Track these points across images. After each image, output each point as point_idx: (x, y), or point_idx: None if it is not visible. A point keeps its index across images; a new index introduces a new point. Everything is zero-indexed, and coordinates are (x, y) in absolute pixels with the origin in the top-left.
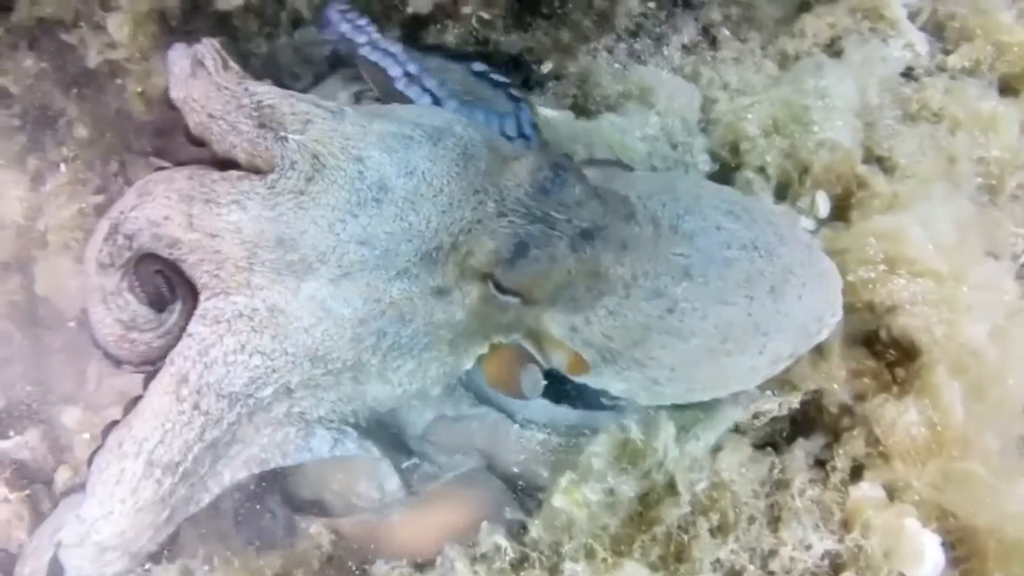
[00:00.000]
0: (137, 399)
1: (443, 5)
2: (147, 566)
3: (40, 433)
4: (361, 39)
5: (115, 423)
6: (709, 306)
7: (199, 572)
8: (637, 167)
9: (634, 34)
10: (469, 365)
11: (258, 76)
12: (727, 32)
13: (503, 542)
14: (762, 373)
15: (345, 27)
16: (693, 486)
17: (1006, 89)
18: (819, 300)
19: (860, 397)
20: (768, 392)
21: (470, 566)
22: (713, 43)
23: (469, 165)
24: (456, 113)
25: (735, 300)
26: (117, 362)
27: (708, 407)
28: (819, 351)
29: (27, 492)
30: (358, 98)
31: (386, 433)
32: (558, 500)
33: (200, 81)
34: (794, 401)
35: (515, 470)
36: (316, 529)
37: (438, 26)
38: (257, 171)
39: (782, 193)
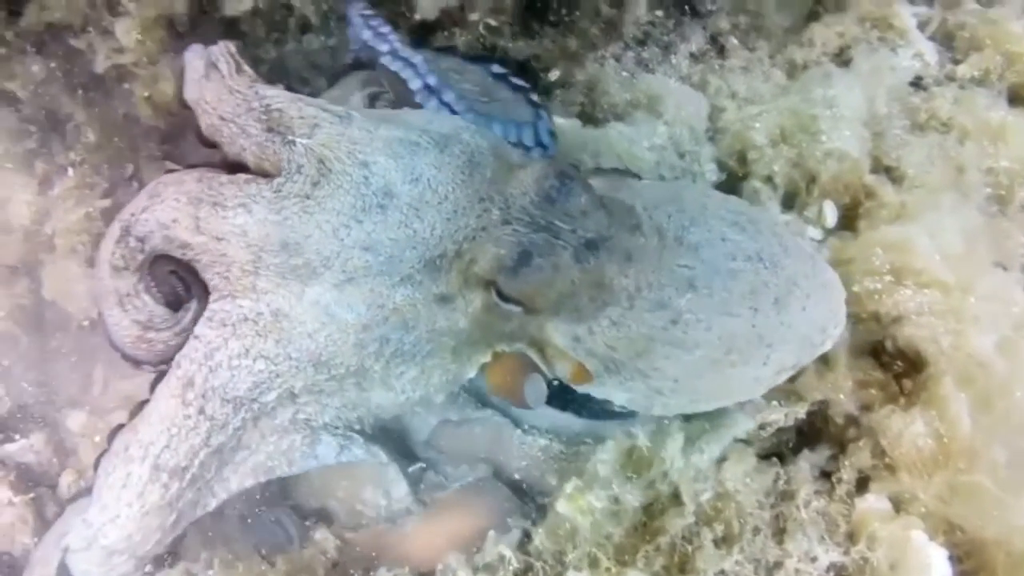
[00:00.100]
0: (144, 403)
1: (450, 12)
2: (147, 568)
3: (45, 437)
4: (383, 48)
5: (121, 427)
6: (713, 318)
7: None
8: (645, 176)
9: (642, 42)
10: (472, 373)
11: (267, 82)
12: (735, 41)
13: (507, 552)
14: (765, 383)
15: (367, 34)
16: (698, 496)
17: (1015, 99)
18: (823, 311)
19: (866, 408)
20: (774, 403)
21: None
22: (721, 52)
23: (475, 172)
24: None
25: (739, 312)
26: (136, 363)
27: (714, 418)
28: (825, 361)
29: (31, 495)
30: (373, 100)
31: (391, 440)
32: (562, 506)
33: (213, 83)
34: (800, 412)
35: (516, 476)
36: (322, 535)
37: (445, 33)
38: (265, 174)
39: (789, 202)
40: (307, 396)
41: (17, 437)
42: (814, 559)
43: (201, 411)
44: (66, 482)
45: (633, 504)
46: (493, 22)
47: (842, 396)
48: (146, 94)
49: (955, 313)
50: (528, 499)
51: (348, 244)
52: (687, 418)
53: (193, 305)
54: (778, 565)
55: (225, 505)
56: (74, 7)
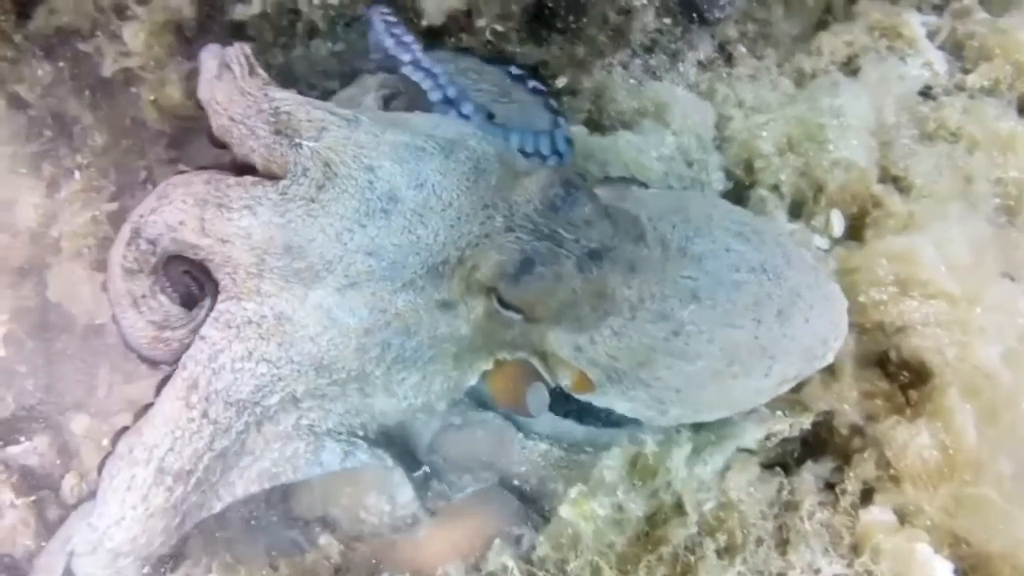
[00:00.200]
0: (148, 406)
1: (457, 18)
2: (146, 570)
3: (49, 439)
4: (405, 57)
5: (125, 429)
6: (716, 329)
7: None
8: (653, 186)
9: (649, 50)
10: (473, 380)
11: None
12: (743, 49)
13: (510, 563)
14: (767, 394)
15: (389, 43)
16: (701, 505)
17: None
18: (825, 323)
19: (871, 418)
20: (779, 413)
21: None
22: (729, 60)
23: (480, 179)
24: (493, 136)
25: (742, 323)
26: (153, 364)
27: (721, 428)
28: (831, 372)
29: (34, 498)
30: (388, 101)
31: (395, 446)
32: (566, 511)
33: (225, 83)
34: (806, 422)
35: (515, 482)
36: (326, 540)
37: (452, 39)
38: (273, 177)
39: (797, 211)
40: (310, 401)
41: (21, 439)
42: (817, 571)
43: (205, 414)
44: (69, 485)
45: (636, 513)
46: (500, 28)
47: (847, 407)
48: (152, 97)
49: (961, 324)
50: (530, 506)
51: (351, 248)
52: (696, 427)
53: (207, 303)
54: None
55: (228, 508)
56: (83, 11)
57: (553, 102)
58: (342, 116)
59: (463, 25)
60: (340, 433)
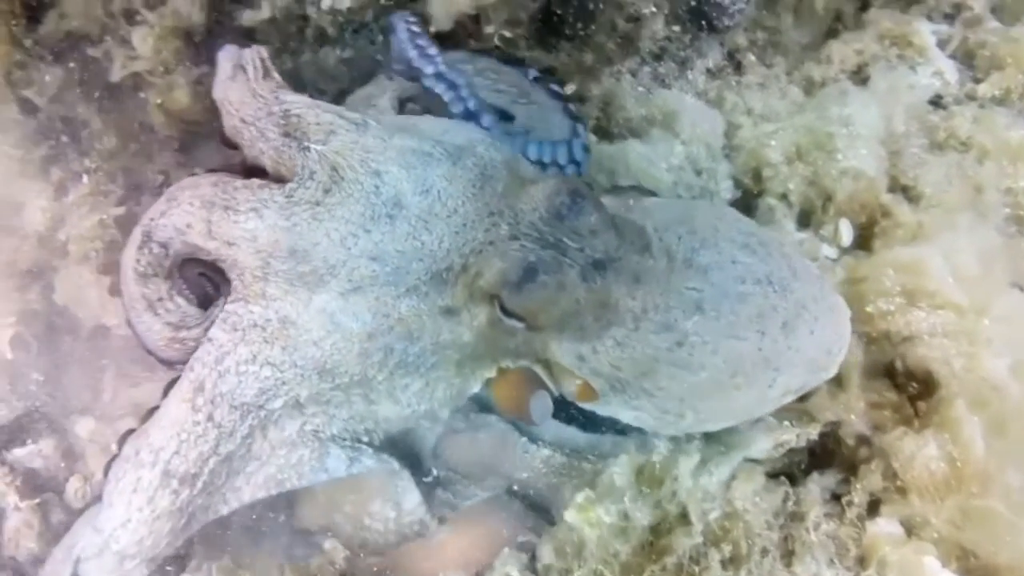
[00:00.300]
0: (155, 409)
1: (464, 24)
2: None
3: (54, 442)
4: (428, 69)
5: (131, 431)
6: (720, 340)
7: None
8: (662, 195)
9: (658, 57)
10: (476, 388)
11: None
12: (752, 57)
13: (515, 574)
14: (771, 405)
15: (413, 54)
16: (706, 515)
17: None
18: (830, 335)
19: (879, 428)
20: (786, 423)
21: None
22: (738, 68)
23: (486, 186)
24: (511, 147)
25: (747, 335)
26: (170, 364)
27: (730, 438)
28: (837, 382)
29: (38, 501)
30: (403, 104)
31: (400, 453)
32: (571, 516)
33: (238, 84)
34: (813, 433)
35: (519, 489)
36: (331, 545)
37: (459, 45)
38: (282, 180)
39: (805, 220)
40: (314, 407)
41: (27, 442)
42: None
43: (210, 418)
44: (73, 488)
45: (642, 522)
46: (508, 34)
47: (854, 417)
48: (158, 101)
49: (968, 335)
50: (537, 513)
51: (355, 253)
52: (705, 437)
53: (222, 302)
54: None
55: (232, 514)
56: (93, 16)
57: (573, 107)
58: (351, 120)
59: (471, 31)
60: (345, 439)
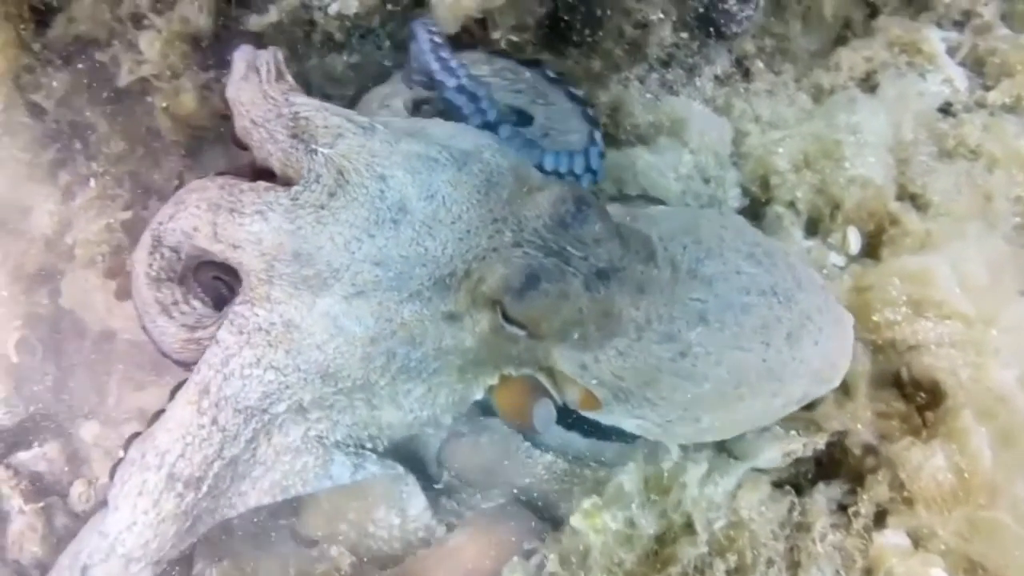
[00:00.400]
0: (160, 412)
1: (470, 28)
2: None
3: (59, 446)
4: (451, 83)
5: (137, 435)
6: (724, 352)
7: None
8: (670, 204)
9: (666, 64)
10: (479, 395)
11: None
12: (761, 64)
13: None
14: (774, 415)
15: (435, 67)
16: (711, 524)
17: None
18: (834, 346)
19: (886, 438)
20: (793, 432)
21: None
22: (746, 75)
23: (491, 192)
24: (528, 157)
25: (751, 346)
26: (186, 367)
27: (737, 448)
28: (844, 390)
29: (42, 504)
30: (418, 105)
31: (405, 461)
32: (577, 521)
33: (250, 85)
34: (820, 443)
35: (523, 494)
36: (337, 551)
37: (465, 50)
38: (289, 182)
39: (813, 228)
40: (317, 412)
41: (32, 445)
42: None
43: (214, 421)
44: (77, 492)
45: (648, 530)
46: (515, 38)
47: (860, 427)
48: (164, 104)
49: (975, 345)
50: (543, 519)
51: (359, 257)
52: (714, 447)
53: (235, 302)
54: None
55: (235, 519)
56: (100, 20)
57: (591, 111)
58: (358, 124)
59: (478, 36)
60: (349, 446)
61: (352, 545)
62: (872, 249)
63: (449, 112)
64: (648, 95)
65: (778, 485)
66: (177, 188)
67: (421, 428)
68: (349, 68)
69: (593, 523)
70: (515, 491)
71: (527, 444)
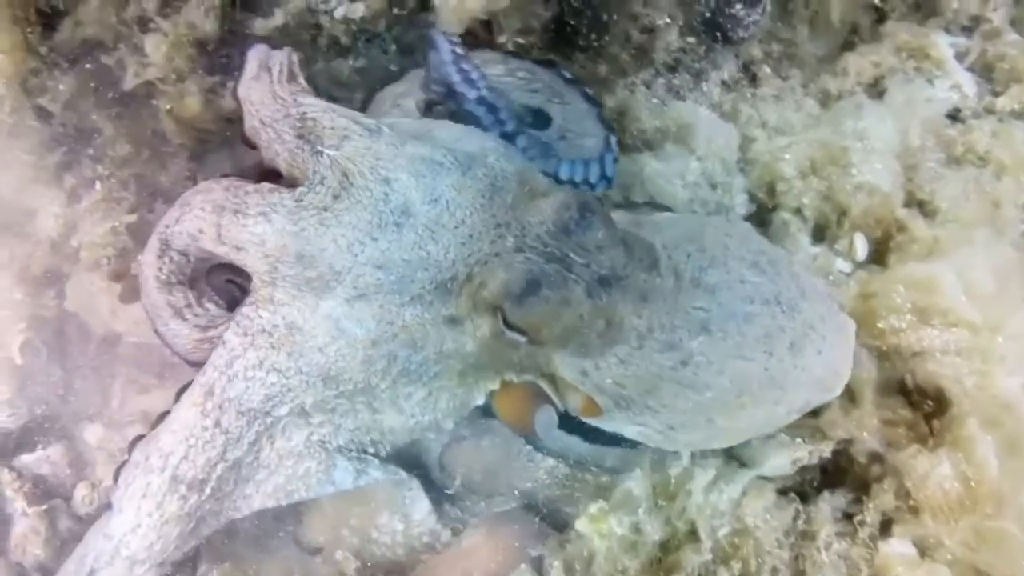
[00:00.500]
0: (164, 415)
1: (475, 31)
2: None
3: (63, 448)
4: (471, 95)
5: (141, 437)
6: (726, 361)
7: None
8: (677, 211)
9: (673, 69)
10: (480, 400)
11: None
12: (768, 69)
13: None
14: (776, 423)
15: (456, 79)
16: (715, 531)
17: None
18: (837, 353)
19: (892, 446)
20: (799, 439)
21: None
22: (753, 80)
23: (495, 197)
24: (544, 166)
25: (753, 355)
26: (200, 367)
27: (743, 456)
28: (850, 398)
29: (45, 507)
30: (430, 106)
31: (407, 466)
32: (582, 525)
33: (260, 84)
34: (826, 450)
35: (526, 498)
36: (342, 555)
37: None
38: (296, 183)
39: (820, 234)
40: (319, 415)
41: (35, 448)
42: None
43: (218, 423)
44: (80, 495)
45: (652, 537)
46: (521, 41)
47: (866, 434)
48: (168, 107)
49: (981, 352)
50: (548, 524)
51: (361, 260)
52: (721, 454)
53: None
54: None
55: (238, 523)
56: (107, 24)
57: (606, 115)
58: (365, 126)
59: (482, 38)
60: (351, 451)
61: (356, 551)
62: (879, 255)
63: (462, 116)
64: (655, 100)
65: (783, 493)
66: (157, 195)
67: (423, 433)
68: (355, 72)
69: (599, 528)
70: (517, 494)
71: (528, 448)
